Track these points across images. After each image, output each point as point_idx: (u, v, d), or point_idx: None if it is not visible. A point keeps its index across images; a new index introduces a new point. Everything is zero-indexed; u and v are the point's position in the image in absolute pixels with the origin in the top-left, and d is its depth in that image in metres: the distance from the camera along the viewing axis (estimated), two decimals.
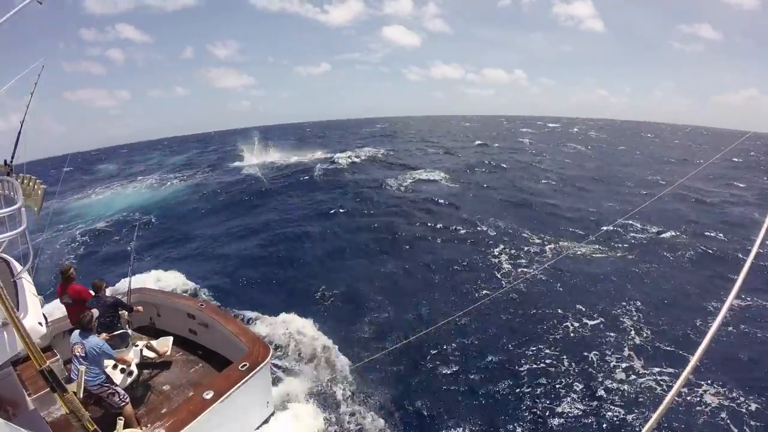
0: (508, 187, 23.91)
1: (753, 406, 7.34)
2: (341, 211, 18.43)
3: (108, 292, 6.78)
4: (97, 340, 5.34)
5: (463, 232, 15.77)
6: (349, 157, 32.25)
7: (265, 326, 9.72)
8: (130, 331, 6.71)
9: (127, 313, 6.62)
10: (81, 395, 4.80)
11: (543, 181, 25.77)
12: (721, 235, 15.98)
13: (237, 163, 34.57)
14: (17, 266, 4.90)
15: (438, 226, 16.47)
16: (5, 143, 5.82)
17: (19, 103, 6.20)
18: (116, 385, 5.54)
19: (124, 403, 5.41)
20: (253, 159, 35.75)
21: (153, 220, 18.98)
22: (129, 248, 7.49)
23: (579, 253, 13.31)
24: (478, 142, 47.06)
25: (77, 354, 5.16)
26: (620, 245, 14.37)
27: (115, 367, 5.90)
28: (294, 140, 58.83)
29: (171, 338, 7.34)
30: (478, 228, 16.04)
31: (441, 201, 19.98)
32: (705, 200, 21.67)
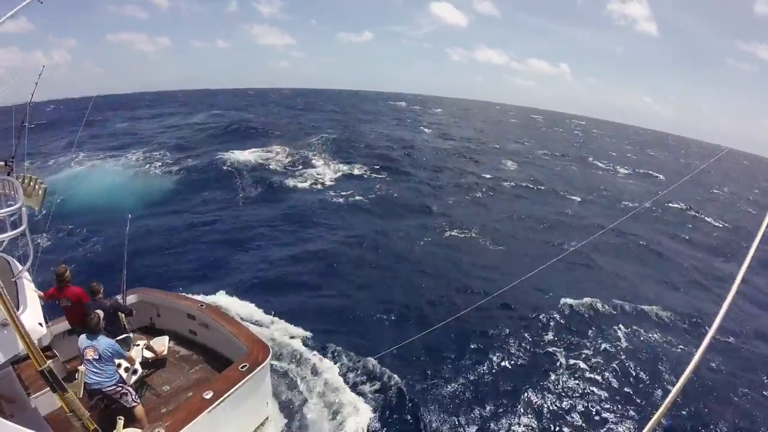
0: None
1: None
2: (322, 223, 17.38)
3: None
4: (108, 341, 5.40)
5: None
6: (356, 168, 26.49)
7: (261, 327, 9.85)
8: (131, 335, 6.89)
9: (124, 316, 6.71)
10: (80, 395, 4.86)
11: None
12: None
13: (227, 153, 27.57)
14: (18, 266, 4.94)
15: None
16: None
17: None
18: (128, 385, 5.65)
19: (135, 404, 5.50)
20: (246, 152, 28.76)
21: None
22: (124, 244, 7.33)
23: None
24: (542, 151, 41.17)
25: (90, 358, 5.18)
26: None
27: (119, 366, 5.99)
28: (316, 114, 55.56)
29: (166, 337, 7.49)
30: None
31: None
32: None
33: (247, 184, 22.15)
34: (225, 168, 24.57)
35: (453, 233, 16.91)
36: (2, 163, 5.59)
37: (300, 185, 22.62)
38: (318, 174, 24.51)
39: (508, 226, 18.99)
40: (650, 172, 40.78)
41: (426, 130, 50.18)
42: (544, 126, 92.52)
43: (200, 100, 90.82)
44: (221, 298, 10.89)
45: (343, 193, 21.07)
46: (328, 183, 23.22)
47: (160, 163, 25.69)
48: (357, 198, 20.55)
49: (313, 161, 27.22)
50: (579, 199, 25.22)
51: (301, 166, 25.94)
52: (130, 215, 8.81)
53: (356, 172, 25.68)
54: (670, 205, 26.98)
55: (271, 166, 25.73)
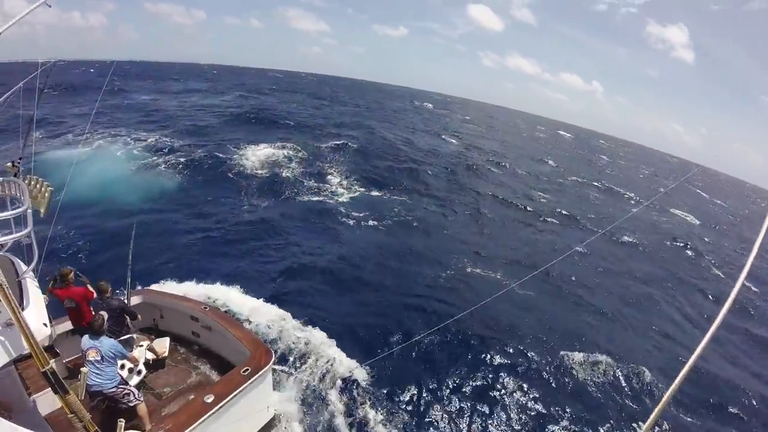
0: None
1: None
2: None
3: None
4: (111, 342, 5.48)
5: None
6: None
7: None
8: (135, 335, 6.99)
9: (129, 318, 6.83)
10: (82, 396, 4.99)
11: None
12: None
13: (239, 152, 25.54)
14: (22, 266, 4.94)
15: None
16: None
17: None
18: (129, 385, 5.76)
19: (138, 401, 5.58)
20: (259, 150, 26.50)
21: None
22: (129, 244, 7.41)
23: None
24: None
25: (92, 359, 5.26)
26: None
27: (122, 367, 6.07)
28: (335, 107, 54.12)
29: (167, 339, 7.57)
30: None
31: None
32: None
33: (253, 193, 20.40)
34: (233, 171, 22.54)
35: (476, 270, 15.65)
36: (9, 164, 5.52)
37: (313, 199, 20.68)
38: (333, 189, 22.52)
39: (536, 259, 17.78)
40: (683, 214, 38.76)
41: (453, 141, 47.47)
42: (573, 145, 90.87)
43: (227, 77, 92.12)
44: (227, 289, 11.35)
45: (356, 214, 19.21)
46: (342, 200, 21.10)
47: (168, 155, 23.65)
48: (371, 222, 18.73)
49: (330, 174, 24.90)
50: (625, 239, 23.97)
51: (314, 180, 23.43)
52: (135, 221, 8.86)
53: (375, 192, 23.29)
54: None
55: (283, 174, 23.38)
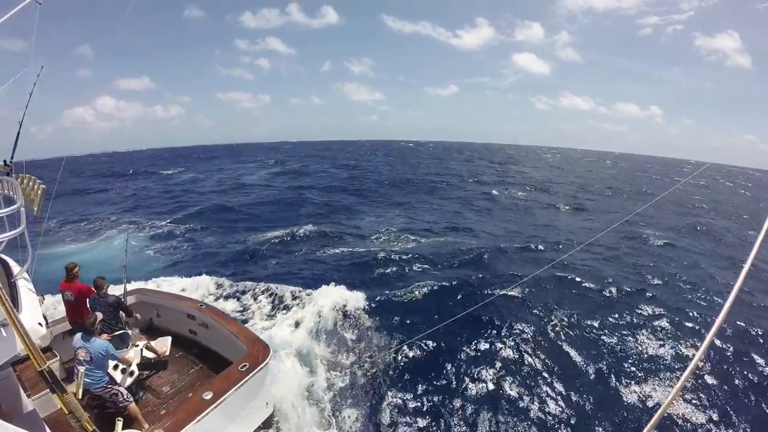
0: None
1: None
2: None
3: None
4: (101, 343, 5.67)
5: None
6: None
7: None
8: (130, 332, 7.23)
9: (124, 315, 7.13)
10: (80, 396, 5.17)
11: None
12: None
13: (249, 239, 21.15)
14: (16, 267, 5.17)
15: None
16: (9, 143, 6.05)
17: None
18: (119, 385, 5.96)
19: (127, 402, 5.81)
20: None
21: None
22: (124, 250, 8.03)
23: None
24: None
25: (81, 359, 5.50)
26: None
27: (116, 367, 6.27)
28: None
29: (170, 338, 7.84)
30: None
31: None
32: None
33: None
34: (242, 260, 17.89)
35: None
36: (1, 163, 5.91)
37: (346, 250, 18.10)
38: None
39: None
40: None
41: (519, 193, 38.81)
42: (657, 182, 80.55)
43: (285, 152, 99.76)
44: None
45: (404, 257, 16.70)
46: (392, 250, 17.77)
47: (172, 244, 20.55)
48: (416, 254, 16.80)
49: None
50: None
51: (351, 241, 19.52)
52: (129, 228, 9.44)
53: (412, 239, 20.11)
54: None
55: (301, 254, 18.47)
